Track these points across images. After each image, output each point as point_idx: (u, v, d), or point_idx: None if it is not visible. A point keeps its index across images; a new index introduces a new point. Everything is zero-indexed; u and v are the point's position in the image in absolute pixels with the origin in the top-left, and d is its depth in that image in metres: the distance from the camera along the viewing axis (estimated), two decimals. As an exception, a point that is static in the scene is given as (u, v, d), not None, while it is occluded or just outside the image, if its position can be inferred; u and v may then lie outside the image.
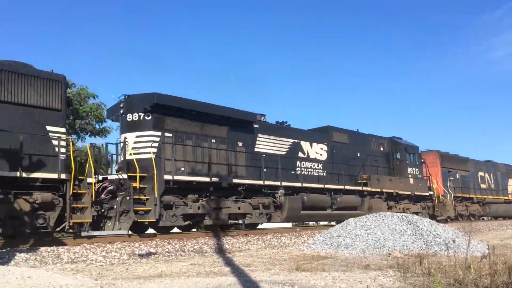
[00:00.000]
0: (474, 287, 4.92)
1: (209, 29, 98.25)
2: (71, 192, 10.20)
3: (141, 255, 9.02)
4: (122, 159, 12.21)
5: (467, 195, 26.16)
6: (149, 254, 9.16)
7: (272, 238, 12.28)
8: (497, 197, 28.56)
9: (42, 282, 5.63)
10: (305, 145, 16.89)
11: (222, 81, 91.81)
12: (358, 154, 19.13)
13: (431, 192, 22.74)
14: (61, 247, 9.08)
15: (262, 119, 15.89)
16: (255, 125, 15.26)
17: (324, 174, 17.31)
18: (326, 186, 16.77)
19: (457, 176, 25.85)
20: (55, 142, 10.23)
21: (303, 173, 16.43)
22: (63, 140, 10.47)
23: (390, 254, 8.93)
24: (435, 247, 9.18)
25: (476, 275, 5.37)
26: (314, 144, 17.26)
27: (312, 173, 16.87)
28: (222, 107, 14.30)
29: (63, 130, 10.76)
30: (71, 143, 11.20)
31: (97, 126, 21.57)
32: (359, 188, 18.16)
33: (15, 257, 7.88)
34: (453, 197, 24.10)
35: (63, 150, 10.38)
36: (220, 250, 10.21)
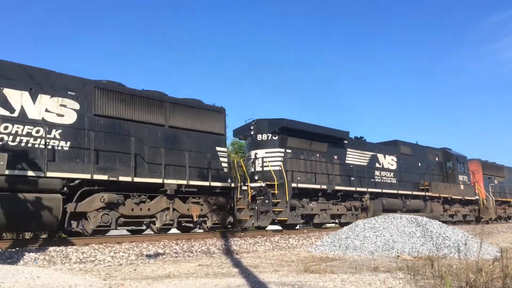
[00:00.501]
0: (485, 291, 4.86)
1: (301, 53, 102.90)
2: (238, 196, 13.57)
3: (149, 256, 9.02)
4: (253, 170, 15.56)
5: (505, 199, 29.49)
6: (157, 255, 9.16)
7: (279, 240, 12.24)
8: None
9: (51, 282, 5.64)
10: (380, 157, 20.49)
11: (309, 100, 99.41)
12: (419, 164, 22.71)
13: (477, 197, 25.78)
14: (69, 247, 9.11)
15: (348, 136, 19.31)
16: (345, 141, 18.79)
17: (395, 181, 20.85)
18: (399, 191, 20.34)
19: (495, 182, 28.88)
20: (222, 159, 13.70)
21: (380, 180, 20.07)
22: (227, 157, 14.17)
23: (399, 256, 8.86)
24: (445, 250, 9.09)
25: (487, 278, 5.30)
26: (386, 156, 20.89)
27: (386, 181, 20.44)
28: (324, 127, 17.84)
29: (225, 149, 14.35)
30: (234, 160, 15.05)
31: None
32: (423, 193, 21.59)
33: (24, 256, 7.92)
34: (494, 201, 27.16)
35: (225, 164, 13.78)
36: (228, 251, 10.20)
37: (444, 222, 19.12)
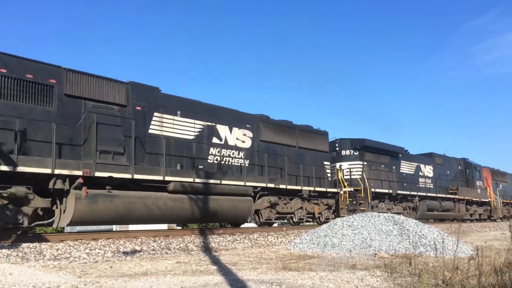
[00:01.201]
0: (461, 288, 4.93)
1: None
2: (342, 198, 18.81)
3: (125, 253, 8.88)
4: (335, 178, 19.35)
5: (509, 201, 35.38)
6: (134, 252, 9.03)
7: (258, 237, 12.23)
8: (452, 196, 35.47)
9: (24, 279, 5.49)
10: (422, 166, 25.63)
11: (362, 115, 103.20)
12: (448, 172, 27.94)
13: (489, 199, 31.36)
14: (43, 243, 8.90)
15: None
16: (399, 154, 24.01)
17: (432, 186, 25.75)
18: (438, 195, 25.64)
19: (501, 186, 34.70)
20: (327, 170, 18.38)
21: (423, 186, 25.07)
22: (330, 169, 19.01)
23: (376, 254, 8.94)
24: (421, 248, 9.22)
25: (463, 276, 5.38)
26: (426, 166, 25.96)
27: (426, 186, 25.38)
28: (388, 144, 22.97)
29: (328, 163, 18.73)
30: (338, 171, 19.83)
31: None
32: (453, 196, 26.79)
33: (-4, 253, 7.70)
34: (501, 203, 33.06)
35: (328, 174, 18.49)
36: (206, 249, 10.13)
37: (465, 219, 27.59)
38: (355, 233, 10.29)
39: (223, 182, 13.22)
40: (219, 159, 13.86)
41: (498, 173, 34.96)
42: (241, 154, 14.63)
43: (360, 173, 20.40)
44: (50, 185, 9.66)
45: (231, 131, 14.52)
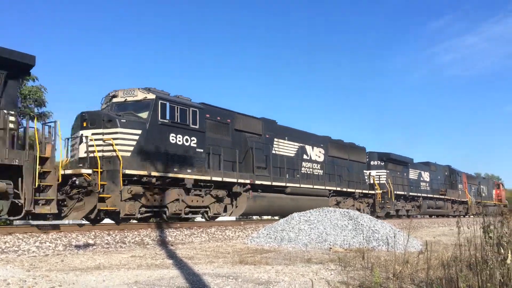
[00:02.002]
0: (410, 281, 5.11)
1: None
2: (377, 198, 24.31)
3: (78, 246, 8.63)
4: (369, 183, 24.32)
5: (479, 201, 41.16)
6: (87, 246, 8.78)
7: (216, 231, 12.20)
8: (489, 201, 44.63)
9: (-34, 274, 5.22)
10: (422, 173, 31.61)
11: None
12: (439, 177, 34.26)
13: (467, 199, 38.03)
14: (-10, 236, 8.49)
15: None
16: (408, 164, 29.92)
17: (429, 189, 31.92)
18: (433, 196, 31.88)
19: (473, 188, 41.06)
20: (365, 177, 24.12)
21: (423, 188, 31.07)
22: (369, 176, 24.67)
23: (331, 248, 9.13)
24: (374, 242, 9.50)
25: (412, 269, 5.59)
26: (425, 172, 32.09)
27: (425, 189, 31.42)
28: (403, 156, 29.36)
29: (366, 171, 24.63)
30: (373, 177, 24.63)
31: (36, 110, 20.63)
32: (443, 197, 33.21)
33: None
34: (474, 202, 39.77)
35: (366, 179, 24.24)
36: (163, 243, 10.00)
37: (449, 215, 34.36)
38: (312, 227, 10.47)
39: (315, 186, 19.20)
40: (307, 170, 19.46)
41: (471, 177, 42.72)
42: (318, 166, 20.26)
43: (385, 178, 26.15)
44: (234, 189, 14.96)
45: (313, 149, 20.10)
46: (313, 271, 6.01)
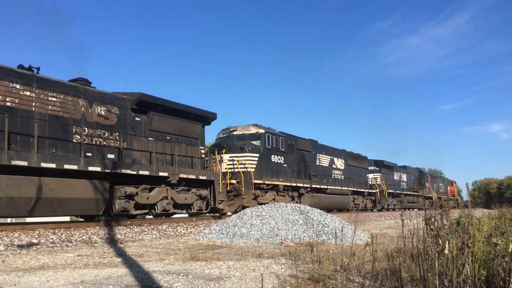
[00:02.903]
0: (357, 273, 5.28)
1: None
2: (378, 196, 32.70)
3: (20, 246, 8.23)
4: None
5: (441, 196, 48.18)
6: (30, 245, 8.40)
7: (167, 228, 12.03)
8: (445, 197, 51.91)
9: None
10: (402, 175, 39.33)
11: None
12: (412, 178, 42.32)
13: (431, 195, 43.88)
14: None
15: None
16: (393, 167, 37.72)
17: (406, 187, 40.14)
18: (408, 193, 40.22)
19: (434, 186, 48.87)
20: (368, 180, 33.74)
21: (403, 187, 39.29)
22: (370, 179, 34.53)
23: (282, 243, 9.26)
24: (323, 236, 9.72)
25: (359, 261, 5.78)
26: (404, 174, 39.96)
27: (405, 187, 39.84)
28: (391, 162, 38.21)
29: (369, 175, 33.69)
30: (372, 179, 33.61)
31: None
32: (416, 193, 41.57)
33: None
34: (437, 197, 45.58)
35: (368, 181, 33.31)
36: (112, 241, 9.74)
37: (421, 208, 36.16)
38: (263, 222, 10.55)
39: (342, 188, 26.53)
40: (336, 176, 26.62)
41: (434, 177, 51.97)
42: (341, 172, 27.52)
43: (380, 180, 33.47)
44: (301, 191, 21.97)
45: (338, 160, 27.45)
46: (264, 265, 6.07)
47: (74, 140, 11.37)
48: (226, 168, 17.58)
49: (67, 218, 19.23)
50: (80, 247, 8.68)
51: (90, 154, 11.68)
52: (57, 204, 10.61)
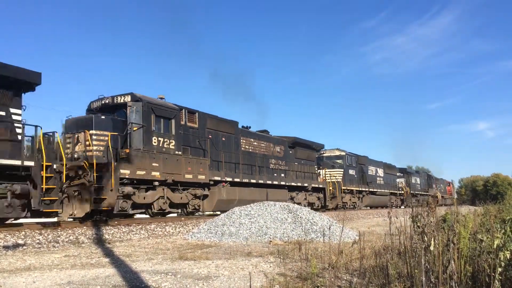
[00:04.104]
0: (345, 270, 5.31)
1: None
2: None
3: (6, 247, 8.13)
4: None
5: (442, 195, 53.10)
6: (16, 246, 8.29)
7: (156, 228, 11.96)
8: (445, 195, 57.64)
9: None
10: (378, 170, 37.13)
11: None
12: (423, 181, 48.49)
13: (437, 195, 45.60)
14: None
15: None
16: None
17: (420, 188, 45.81)
18: (422, 193, 44.79)
19: (437, 187, 53.95)
20: (397, 183, 41.72)
21: (380, 183, 36.73)
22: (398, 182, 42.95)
23: (271, 241, 9.27)
24: (312, 234, 9.75)
25: (347, 259, 5.81)
26: (380, 169, 37.31)
27: (420, 189, 46.13)
28: (412, 168, 59.24)
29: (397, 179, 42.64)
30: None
31: None
32: (427, 193, 46.35)
33: None
34: (441, 196, 50.42)
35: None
36: (99, 241, 9.66)
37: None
38: (252, 221, 10.56)
39: (385, 190, 35.46)
40: (379, 182, 35.23)
41: (437, 179, 57.29)
42: (382, 179, 36.28)
43: (403, 183, 38.48)
44: (362, 193, 32.71)
45: (379, 169, 35.90)
46: (252, 264, 6.08)
47: (270, 167, 20.56)
48: (325, 179, 26.22)
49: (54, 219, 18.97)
50: (67, 248, 8.60)
51: (276, 175, 20.77)
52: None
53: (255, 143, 19.84)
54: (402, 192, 36.64)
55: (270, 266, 5.87)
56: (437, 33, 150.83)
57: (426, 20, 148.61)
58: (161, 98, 15.08)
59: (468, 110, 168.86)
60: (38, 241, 8.92)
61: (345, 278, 4.93)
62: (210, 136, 16.51)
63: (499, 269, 3.56)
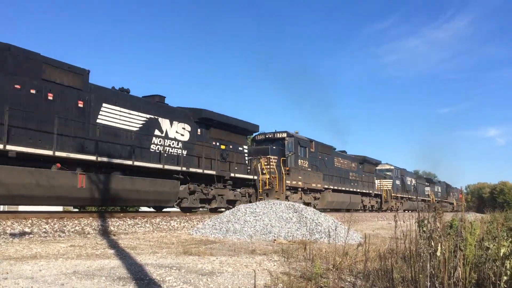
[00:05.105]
0: (349, 272, 5.31)
1: None
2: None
3: (13, 235, 8.22)
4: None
5: (457, 202, 60.69)
6: (23, 234, 8.38)
7: (161, 222, 12.03)
8: (459, 202, 63.10)
9: None
10: (439, 188, 54.51)
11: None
12: (442, 189, 55.65)
13: (453, 201, 58.93)
14: None
15: None
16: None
17: (440, 196, 53.46)
18: (443, 200, 53.36)
19: (452, 194, 61.55)
20: (427, 192, 50.48)
21: (439, 196, 51.61)
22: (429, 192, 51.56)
23: (275, 240, 9.29)
24: (316, 235, 9.75)
25: (351, 261, 5.81)
26: (439, 187, 53.35)
27: (439, 196, 53.39)
28: (436, 178, 67.12)
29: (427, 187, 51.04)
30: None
31: None
32: (446, 200, 55.89)
33: None
34: (456, 203, 59.31)
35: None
36: (105, 232, 9.74)
37: (449, 211, 47.44)
38: (257, 219, 10.58)
39: (419, 197, 42.30)
40: (411, 188, 43.33)
41: (452, 187, 62.50)
42: (413, 188, 43.51)
43: (430, 192, 48.44)
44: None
45: (411, 179, 43.92)
46: (256, 262, 6.09)
47: (349, 178, 29.23)
48: (380, 187, 35.00)
49: (60, 208, 19.19)
50: (73, 238, 8.67)
51: (353, 184, 29.40)
52: None
53: (342, 161, 28.01)
54: (429, 199, 45.68)
55: (274, 265, 5.88)
56: (450, 37, 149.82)
57: (440, 23, 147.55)
58: (296, 133, 22.75)
59: (479, 116, 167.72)
60: (44, 230, 9.00)
61: (348, 279, 4.93)
62: (319, 157, 24.39)
63: (505, 278, 3.55)
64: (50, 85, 10.62)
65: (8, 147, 9.27)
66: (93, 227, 9.97)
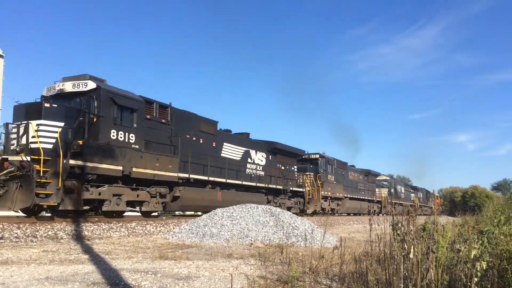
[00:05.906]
0: (325, 275, 5.36)
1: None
2: None
3: (-18, 240, 7.98)
4: None
5: (433, 206, 59.76)
6: (-7, 239, 8.15)
7: (136, 226, 11.88)
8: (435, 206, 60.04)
9: None
10: (420, 194, 61.86)
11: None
12: (422, 195, 62.28)
13: (432, 206, 55.46)
14: None
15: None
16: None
17: (422, 202, 60.67)
18: (424, 205, 60.97)
19: (431, 200, 65.03)
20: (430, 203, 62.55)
21: (402, 197, 49.85)
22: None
23: (252, 244, 9.29)
24: (293, 238, 9.80)
25: (327, 264, 5.87)
26: (353, 172, 36.94)
27: (421, 202, 60.04)
28: (421, 187, 67.38)
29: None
30: None
31: None
32: (426, 205, 61.50)
33: None
34: (434, 208, 56.87)
35: None
36: (78, 237, 9.55)
37: (429, 214, 43.01)
38: (234, 223, 10.56)
39: (407, 202, 45.13)
40: (401, 195, 49.21)
41: (430, 193, 66.47)
42: (403, 195, 50.57)
43: (414, 197, 53.09)
44: None
45: (400, 186, 50.99)
46: (233, 266, 6.09)
47: (359, 188, 36.41)
48: (379, 195, 40.94)
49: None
50: (45, 243, 8.48)
51: (363, 193, 36.20)
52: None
53: (353, 174, 34.59)
54: (414, 204, 50.10)
55: (251, 269, 5.89)
56: (423, 44, 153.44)
57: (413, 31, 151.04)
58: (324, 153, 28.71)
59: (449, 122, 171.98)
60: (16, 235, 8.78)
61: (325, 282, 4.98)
62: (339, 172, 30.39)
63: (475, 279, 3.65)
64: (202, 134, 16.80)
65: (191, 176, 15.57)
66: (66, 232, 9.77)
